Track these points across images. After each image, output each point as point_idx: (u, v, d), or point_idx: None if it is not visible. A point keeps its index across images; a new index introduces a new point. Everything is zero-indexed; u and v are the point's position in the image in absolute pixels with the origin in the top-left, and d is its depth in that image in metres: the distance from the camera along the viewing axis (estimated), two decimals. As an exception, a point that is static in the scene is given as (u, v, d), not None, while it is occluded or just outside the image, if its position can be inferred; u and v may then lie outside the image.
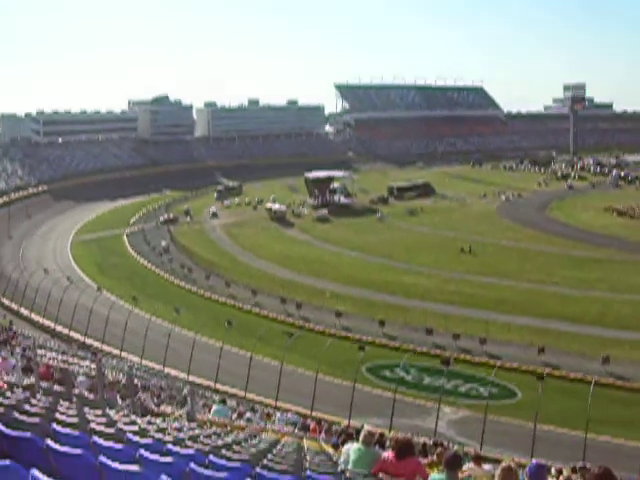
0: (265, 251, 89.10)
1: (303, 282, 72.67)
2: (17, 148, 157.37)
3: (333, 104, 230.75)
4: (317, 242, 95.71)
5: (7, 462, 4.50)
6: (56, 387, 20.98)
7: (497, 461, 19.70)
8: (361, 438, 9.84)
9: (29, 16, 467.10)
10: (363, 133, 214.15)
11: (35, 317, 61.97)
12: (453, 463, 8.97)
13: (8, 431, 6.20)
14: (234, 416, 32.00)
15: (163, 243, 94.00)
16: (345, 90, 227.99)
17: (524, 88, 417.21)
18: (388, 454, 9.25)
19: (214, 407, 31.09)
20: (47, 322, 60.38)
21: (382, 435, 17.51)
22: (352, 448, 9.99)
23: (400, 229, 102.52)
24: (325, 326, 58.26)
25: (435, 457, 15.38)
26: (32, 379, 20.73)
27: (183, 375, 47.94)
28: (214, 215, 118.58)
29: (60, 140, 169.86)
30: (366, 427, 10.12)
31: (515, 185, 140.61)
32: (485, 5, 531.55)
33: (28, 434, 6.12)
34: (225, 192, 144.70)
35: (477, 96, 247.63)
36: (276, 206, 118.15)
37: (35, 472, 4.38)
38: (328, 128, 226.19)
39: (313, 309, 62.24)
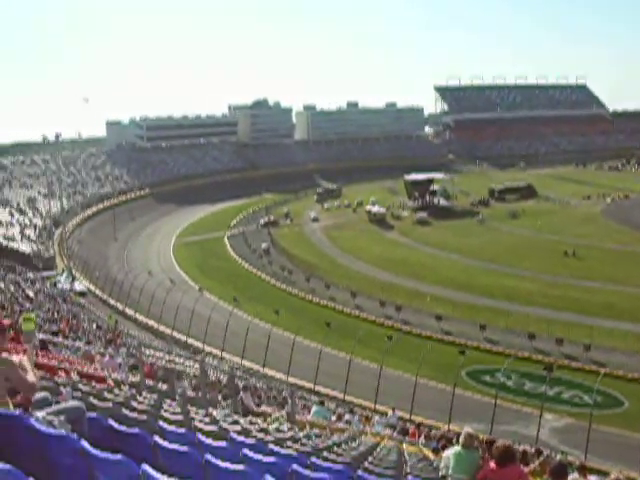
0: (364, 253, 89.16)
1: (403, 285, 72.34)
2: (122, 153, 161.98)
3: (432, 106, 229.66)
4: (417, 245, 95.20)
5: (119, 456, 4.63)
6: (160, 385, 21.46)
7: (603, 473, 19.18)
8: (461, 441, 9.70)
9: (132, 27, 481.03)
10: (463, 134, 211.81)
11: (139, 317, 63.65)
12: (559, 473, 8.75)
13: (118, 426, 6.38)
14: (333, 418, 32.07)
15: (263, 245, 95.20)
16: (444, 91, 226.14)
17: (631, 85, 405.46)
18: (490, 462, 9.07)
19: (313, 408, 31.25)
20: (151, 322, 61.93)
21: (487, 442, 17.20)
22: (452, 452, 9.85)
23: (501, 232, 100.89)
24: (425, 329, 57.90)
25: (538, 466, 15.03)
26: (137, 377, 21.26)
27: (282, 376, 48.37)
28: (315, 219, 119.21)
29: (163, 145, 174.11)
30: (466, 429, 9.94)
31: (621, 186, 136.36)
32: (587, 1, 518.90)
33: (137, 430, 6.28)
34: (325, 195, 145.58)
35: (581, 94, 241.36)
36: (375, 208, 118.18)
37: (146, 467, 4.49)
38: (427, 130, 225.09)
39: (413, 312, 61.86)
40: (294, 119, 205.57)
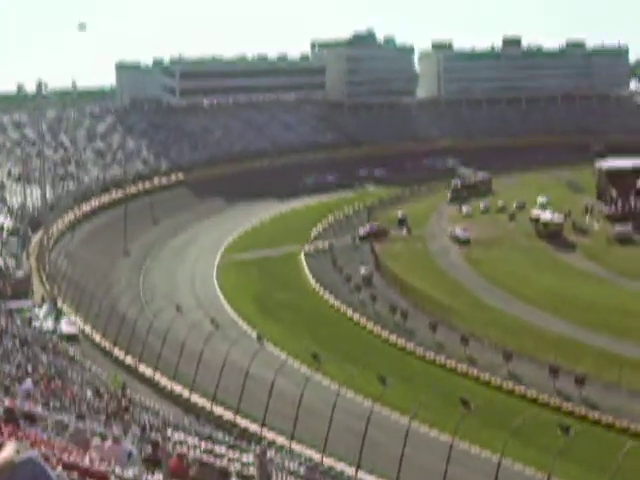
0: (527, 288, 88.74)
1: (589, 342, 71.89)
2: (141, 114, 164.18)
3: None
4: (614, 276, 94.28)
5: None
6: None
7: None
8: None
9: None
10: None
11: (161, 380, 64.34)
12: None
13: None
14: None
15: (363, 270, 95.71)
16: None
17: None
18: None
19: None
20: (179, 388, 62.58)
21: None
22: None
23: None
24: (623, 418, 57.16)
25: None
26: (158, 476, 21.64)
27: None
28: (457, 240, 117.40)
29: (205, 102, 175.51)
30: None
31: None
32: None
33: None
34: (464, 190, 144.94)
35: None
36: (547, 215, 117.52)
37: None
38: (635, 86, 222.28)
39: (604, 388, 61.25)
40: (417, 65, 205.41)
